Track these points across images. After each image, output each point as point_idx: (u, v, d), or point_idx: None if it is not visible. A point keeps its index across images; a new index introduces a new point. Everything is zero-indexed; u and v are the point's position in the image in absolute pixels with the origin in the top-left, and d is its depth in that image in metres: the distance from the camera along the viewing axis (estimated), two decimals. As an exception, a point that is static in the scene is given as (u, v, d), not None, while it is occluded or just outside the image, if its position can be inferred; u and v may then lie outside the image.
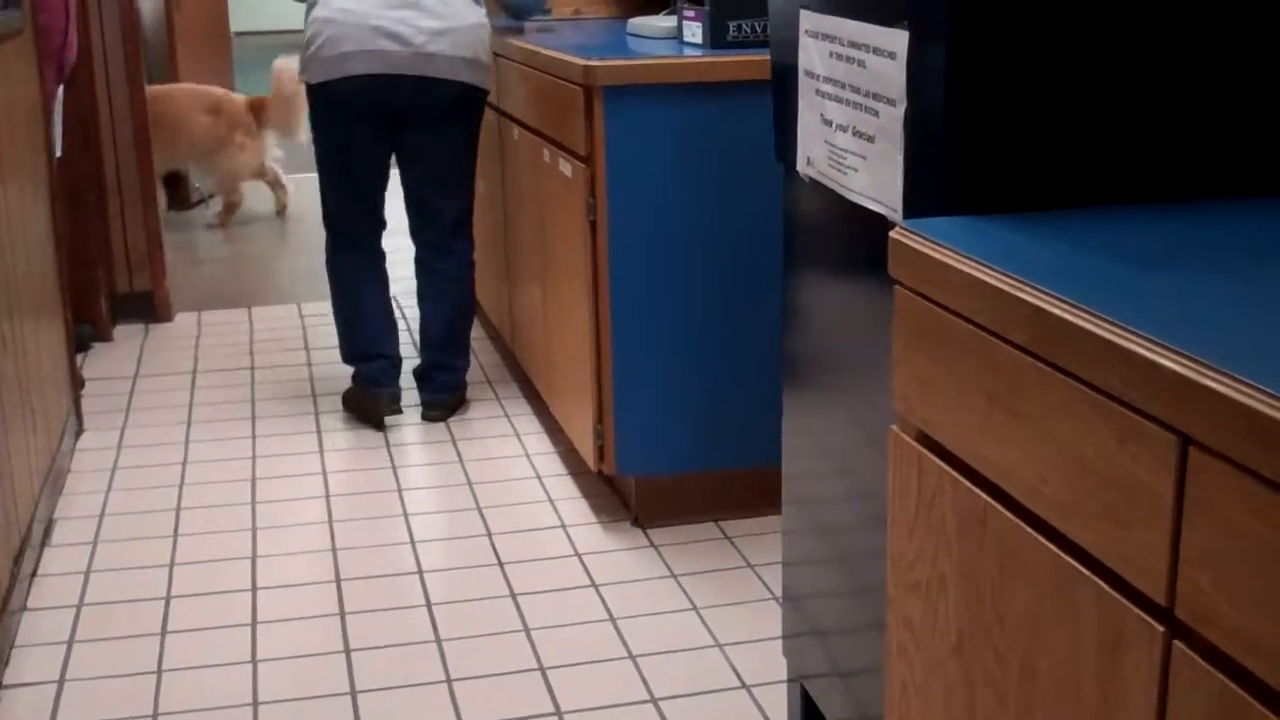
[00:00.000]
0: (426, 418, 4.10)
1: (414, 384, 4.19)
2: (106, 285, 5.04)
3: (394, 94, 3.76)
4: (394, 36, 3.70)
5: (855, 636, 2.08)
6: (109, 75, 4.99)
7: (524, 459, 3.81)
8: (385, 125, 3.85)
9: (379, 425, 4.04)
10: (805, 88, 2.05)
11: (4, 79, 3.21)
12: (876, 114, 1.81)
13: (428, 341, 4.09)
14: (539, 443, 3.93)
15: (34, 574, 3.14)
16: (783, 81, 2.16)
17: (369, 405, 4.06)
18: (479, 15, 3.81)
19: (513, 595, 3.03)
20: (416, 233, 4.06)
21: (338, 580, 3.12)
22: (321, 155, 3.96)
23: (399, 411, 4.11)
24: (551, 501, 3.52)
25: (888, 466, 1.67)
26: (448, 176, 3.96)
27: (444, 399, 4.12)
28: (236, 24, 8.14)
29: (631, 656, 2.77)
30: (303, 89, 4.08)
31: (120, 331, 5.07)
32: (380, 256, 4.08)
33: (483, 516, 3.44)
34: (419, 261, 4.08)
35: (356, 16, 3.71)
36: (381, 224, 4.06)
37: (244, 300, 5.47)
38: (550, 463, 3.78)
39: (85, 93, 4.84)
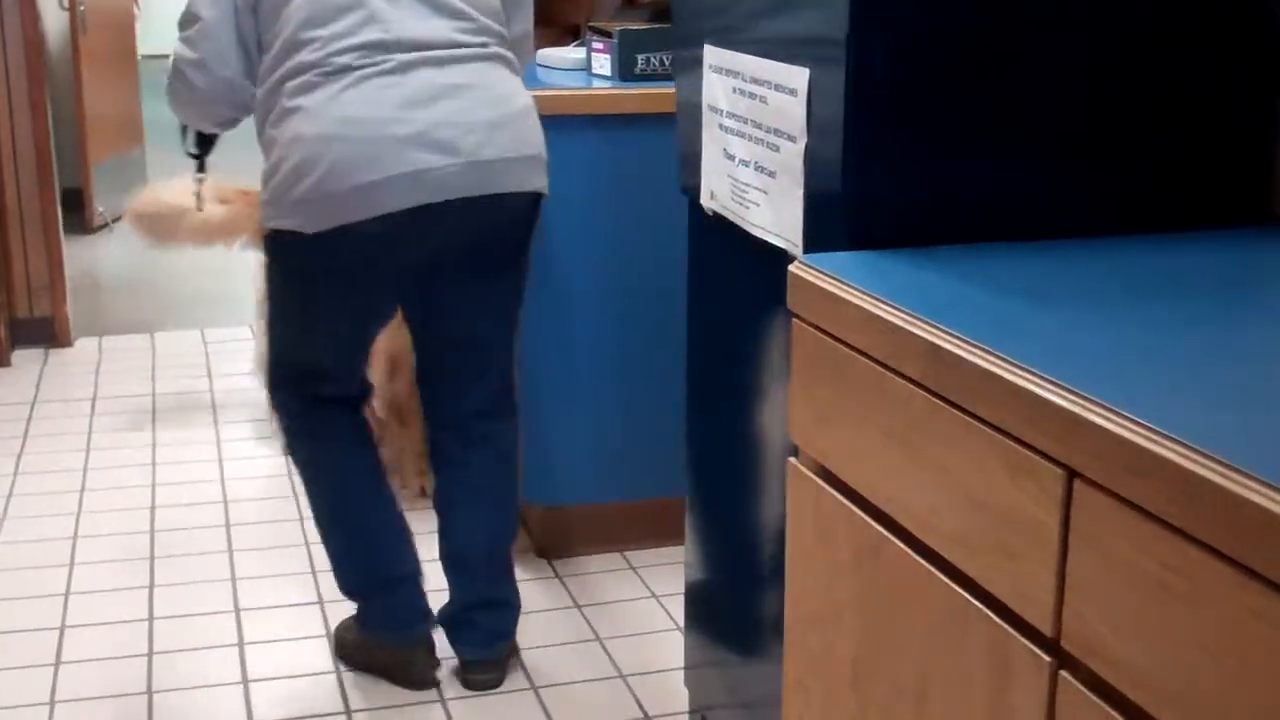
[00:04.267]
0: (473, 684, 2.76)
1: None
2: (5, 310, 4.95)
3: (435, 230, 2.48)
4: (436, 145, 2.40)
5: (755, 668, 2.09)
6: (11, 97, 4.91)
7: (429, 488, 3.79)
8: (410, 275, 2.62)
9: (424, 685, 2.76)
10: (709, 122, 2.07)
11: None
12: (778, 149, 1.83)
13: (463, 569, 2.78)
14: (445, 472, 3.91)
15: (-77, 604, 3.06)
16: (687, 115, 2.18)
17: (403, 662, 2.75)
18: (522, 86, 2.62)
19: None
20: (437, 411, 2.78)
21: (236, 610, 3.07)
22: (297, 316, 2.64)
23: (437, 666, 2.79)
24: (456, 531, 3.50)
25: (787, 498, 1.69)
26: (495, 330, 2.71)
27: (496, 654, 2.78)
28: (144, 47, 8.04)
29: (534, 687, 2.76)
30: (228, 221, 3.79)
31: (19, 357, 4.97)
32: (368, 426, 2.82)
33: (386, 546, 3.41)
34: (439, 452, 2.78)
35: (371, 126, 2.39)
36: (368, 388, 2.82)
37: (146, 326, 5.39)
38: (456, 492, 3.76)
39: (-15, 114, 4.76)
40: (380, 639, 2.75)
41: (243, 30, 2.48)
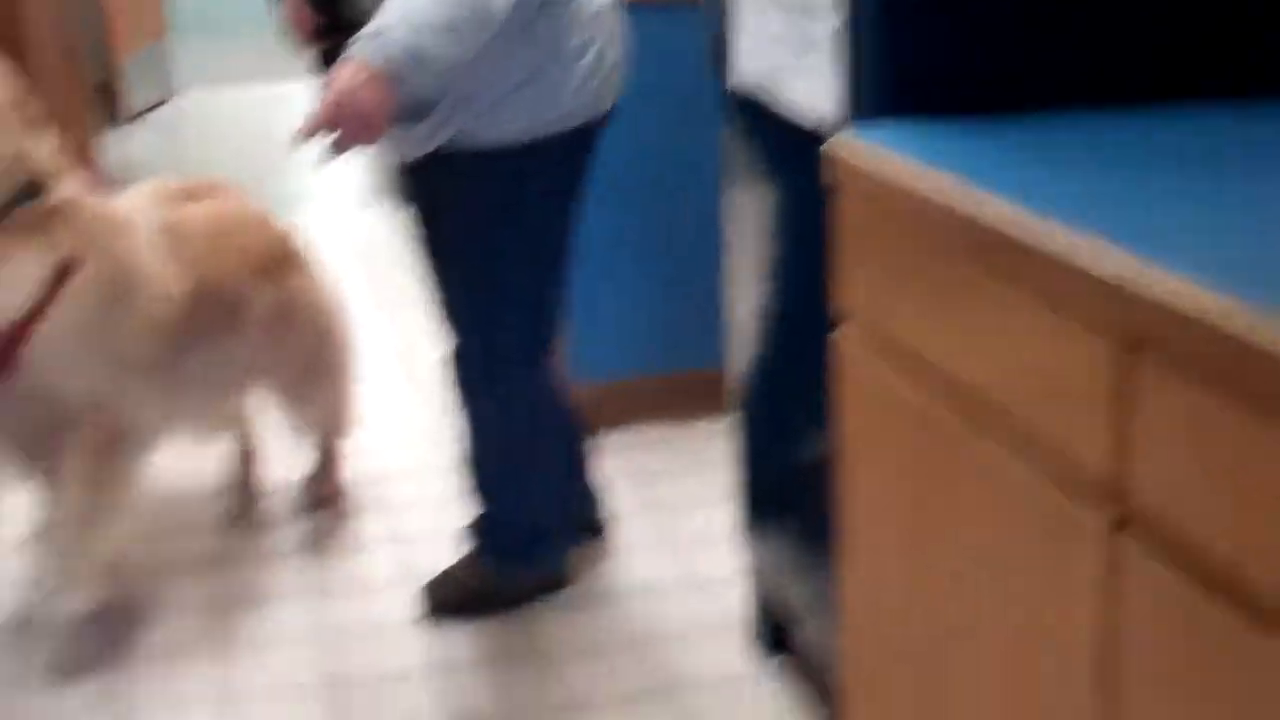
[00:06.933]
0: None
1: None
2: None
3: None
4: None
5: (806, 535, 2.13)
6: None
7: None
8: None
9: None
10: (743, 1, 2.06)
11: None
12: (813, 23, 1.83)
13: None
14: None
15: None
16: (719, -9, 2.17)
17: (563, 574, 2.77)
18: None
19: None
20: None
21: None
22: (540, 234, 2.43)
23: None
24: (504, 410, 3.54)
25: (834, 370, 1.72)
26: None
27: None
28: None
29: (589, 559, 2.82)
30: None
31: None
32: None
33: (439, 429, 3.47)
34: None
35: None
36: None
37: None
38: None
39: (5, 4, 4.72)
40: (551, 567, 2.73)
41: None
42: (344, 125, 2.05)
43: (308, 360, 2.96)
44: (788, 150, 2.01)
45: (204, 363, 2.69)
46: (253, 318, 2.78)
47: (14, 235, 2.38)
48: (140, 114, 6.96)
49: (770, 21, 1.97)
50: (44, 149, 2.47)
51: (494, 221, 2.39)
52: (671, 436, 3.37)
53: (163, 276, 2.55)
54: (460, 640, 2.57)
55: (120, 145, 6.26)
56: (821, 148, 1.73)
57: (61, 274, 2.39)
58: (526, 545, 2.69)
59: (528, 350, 2.51)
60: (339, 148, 2.07)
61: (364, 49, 2.06)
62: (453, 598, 2.67)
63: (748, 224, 2.22)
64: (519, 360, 2.51)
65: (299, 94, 7.08)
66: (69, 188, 2.47)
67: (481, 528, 2.68)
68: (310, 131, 2.05)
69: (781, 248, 2.08)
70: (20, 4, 4.84)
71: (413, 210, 2.59)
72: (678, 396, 3.42)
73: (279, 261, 2.87)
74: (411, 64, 2.06)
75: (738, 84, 2.13)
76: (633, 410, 3.41)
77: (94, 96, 5.57)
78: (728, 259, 2.32)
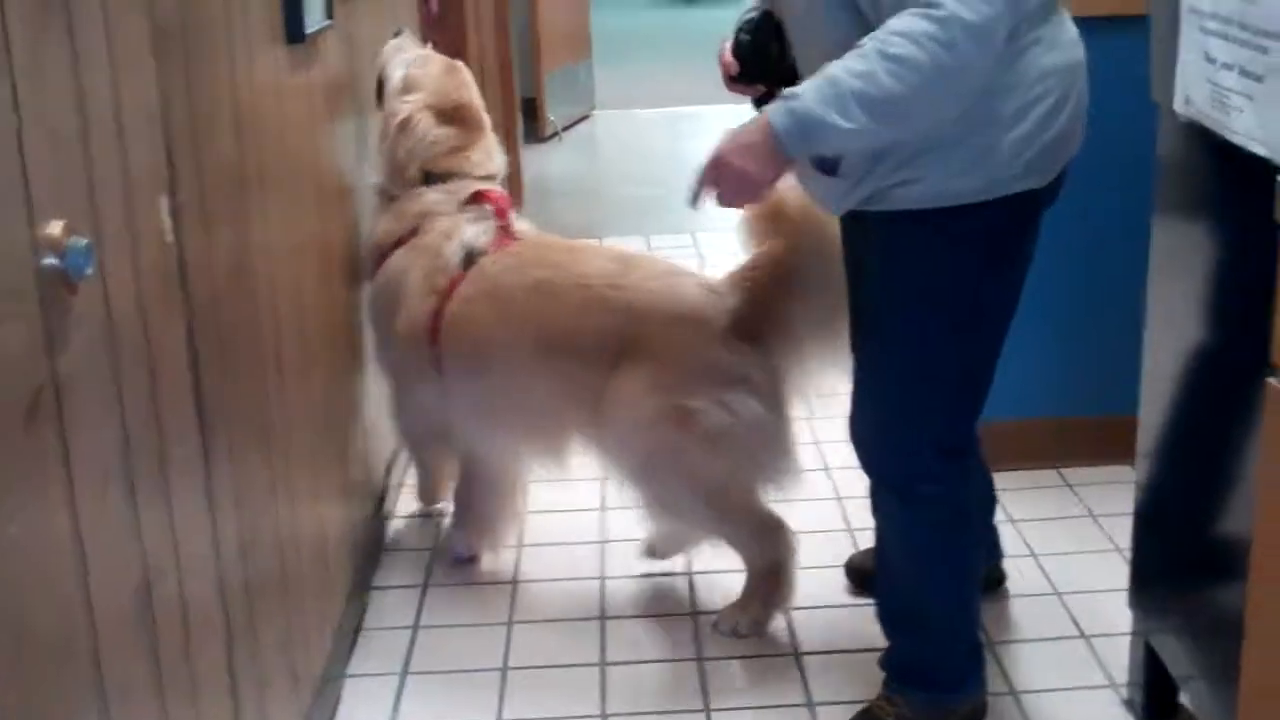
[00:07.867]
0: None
1: None
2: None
3: None
4: None
5: (1211, 594, 2.02)
6: (479, 12, 5.18)
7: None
8: None
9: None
10: (1188, 25, 1.98)
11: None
12: (1265, 52, 1.73)
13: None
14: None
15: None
16: (1163, 18, 2.09)
17: (983, 706, 2.41)
18: None
19: (848, 528, 3.05)
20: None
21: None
22: (965, 311, 2.15)
23: None
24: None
25: (1264, 422, 1.62)
26: None
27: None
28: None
29: (968, 598, 2.76)
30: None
31: (477, 256, 5.27)
32: None
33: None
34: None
35: (1081, 49, 2.15)
36: None
37: (594, 230, 5.54)
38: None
39: (455, 29, 5.03)
40: (976, 694, 2.40)
41: None
42: (723, 185, 2.02)
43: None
44: (1231, 183, 1.91)
45: (494, 391, 2.75)
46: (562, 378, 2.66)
47: (386, 211, 2.92)
48: (561, 131, 7.24)
49: (1217, 47, 1.87)
50: (455, 150, 2.92)
51: (914, 293, 2.13)
52: (1060, 483, 3.27)
53: (416, 304, 2.78)
54: None
55: (541, 158, 6.54)
56: (1269, 184, 1.64)
57: (383, 255, 2.88)
58: (949, 677, 2.35)
59: (955, 443, 2.23)
60: (721, 203, 2.06)
61: (774, 108, 1.95)
62: None
63: (1179, 260, 2.12)
64: (945, 455, 2.21)
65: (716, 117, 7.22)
66: (450, 190, 2.88)
67: (899, 659, 2.37)
68: (697, 188, 2.04)
69: (1215, 285, 1.98)
70: (468, 12, 5.13)
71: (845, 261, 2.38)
72: (1072, 442, 3.30)
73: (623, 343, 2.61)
74: (816, 135, 1.92)
75: (1179, 109, 2.03)
76: (1021, 452, 3.30)
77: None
78: (1152, 294, 2.22)
